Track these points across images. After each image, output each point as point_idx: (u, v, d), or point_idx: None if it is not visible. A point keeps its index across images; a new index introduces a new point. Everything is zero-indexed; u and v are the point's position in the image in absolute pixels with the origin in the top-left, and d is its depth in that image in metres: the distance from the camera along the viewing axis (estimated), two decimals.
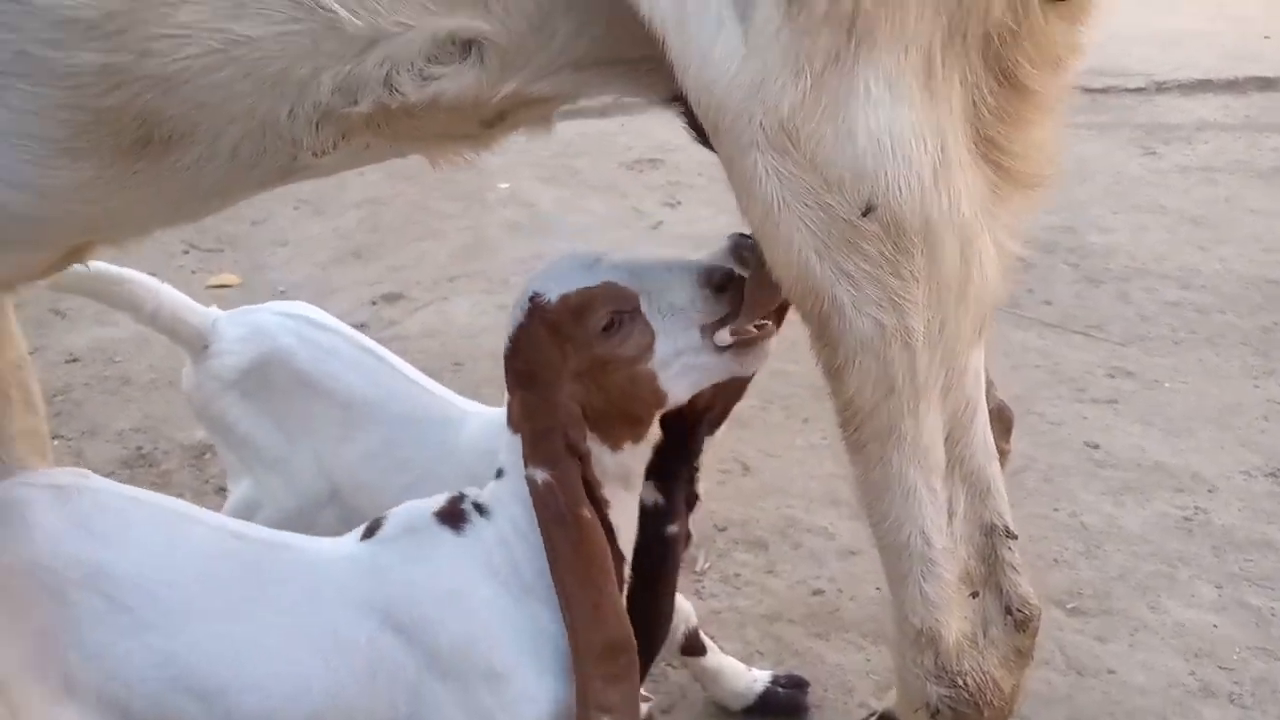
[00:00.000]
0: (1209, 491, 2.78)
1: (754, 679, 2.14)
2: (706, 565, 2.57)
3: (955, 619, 1.35)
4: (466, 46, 1.24)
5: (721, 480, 2.86)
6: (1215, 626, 2.35)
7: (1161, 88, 5.53)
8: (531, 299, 1.45)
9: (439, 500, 1.51)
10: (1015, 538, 1.33)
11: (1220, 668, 2.25)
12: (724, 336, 1.42)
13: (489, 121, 1.40)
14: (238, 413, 1.96)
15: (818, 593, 2.49)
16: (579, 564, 1.37)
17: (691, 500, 1.70)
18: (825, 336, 1.17)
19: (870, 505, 1.29)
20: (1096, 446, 2.98)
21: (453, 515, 1.48)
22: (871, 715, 2.05)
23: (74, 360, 3.55)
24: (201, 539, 1.45)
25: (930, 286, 1.14)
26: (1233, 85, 5.44)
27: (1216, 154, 4.76)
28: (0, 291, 1.65)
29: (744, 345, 1.43)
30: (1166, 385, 3.24)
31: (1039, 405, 3.13)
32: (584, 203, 4.82)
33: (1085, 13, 1.18)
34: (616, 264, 1.46)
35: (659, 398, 1.45)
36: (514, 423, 1.46)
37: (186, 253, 4.33)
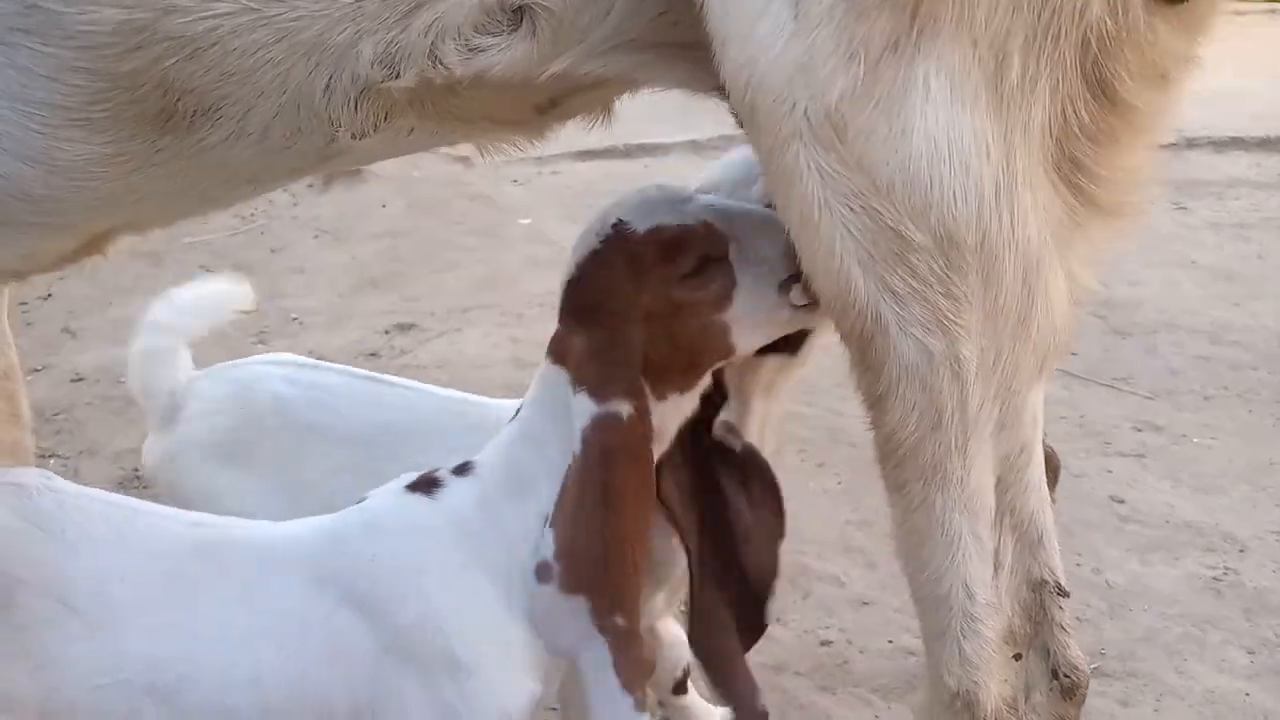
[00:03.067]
0: (1240, 552, 2.62)
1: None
2: None
3: (995, 682, 1.20)
4: (517, 15, 1.11)
5: None
6: (1247, 695, 2.19)
7: (1192, 144, 5.38)
8: (615, 226, 1.31)
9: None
10: (1067, 595, 1.19)
11: None
12: (799, 294, 1.29)
13: (541, 107, 1.29)
14: (223, 484, 1.72)
15: (826, 644, 2.35)
16: (645, 499, 1.27)
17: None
18: (867, 360, 1.03)
19: (908, 552, 1.15)
20: (1122, 501, 2.82)
21: (425, 483, 1.35)
22: None
23: (79, 379, 3.43)
24: (155, 530, 1.33)
25: (985, 312, 0.99)
26: (1265, 143, 5.32)
27: (1249, 211, 4.63)
28: (11, 281, 1.51)
29: (811, 304, 1.30)
30: (1195, 441, 3.09)
31: (1063, 458, 2.97)
32: None
33: (1203, 23, 1.03)
34: (711, 205, 1.33)
35: (728, 350, 1.33)
36: (566, 357, 1.32)
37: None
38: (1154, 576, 2.54)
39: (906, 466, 1.07)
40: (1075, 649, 1.23)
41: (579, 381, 1.29)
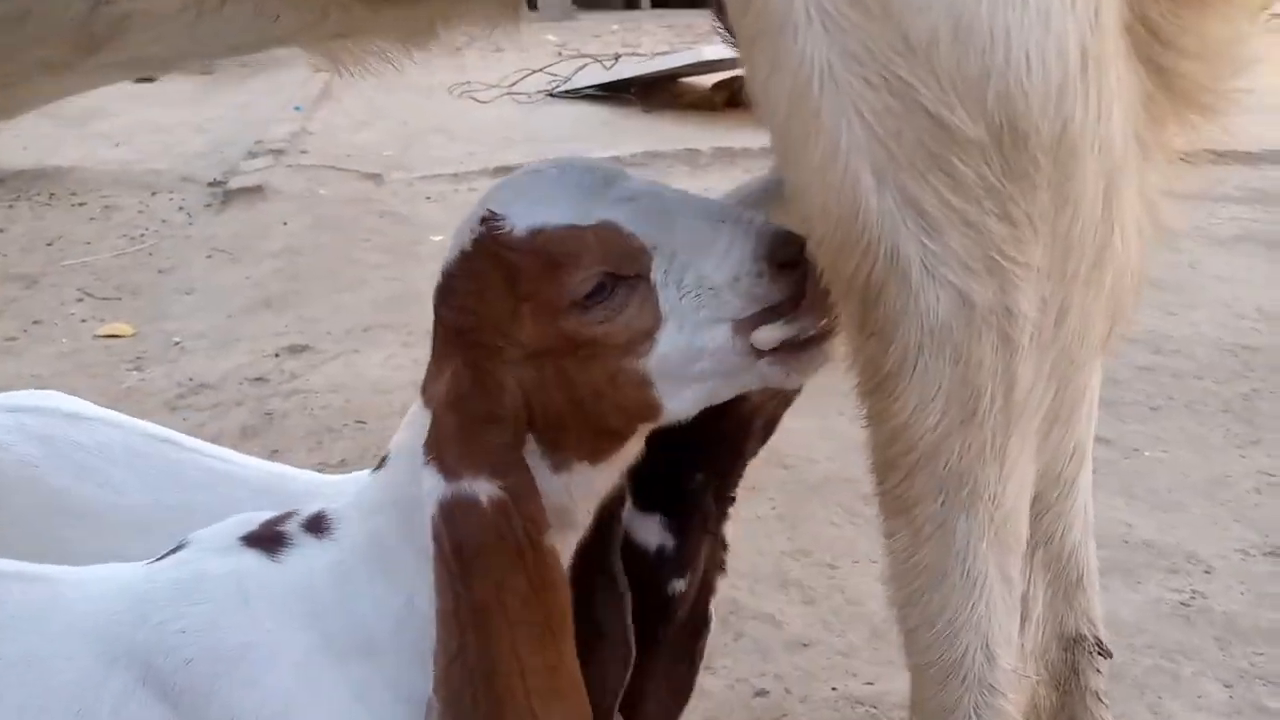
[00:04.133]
0: (1206, 573, 2.39)
1: None
2: None
3: None
4: None
5: None
6: None
7: None
8: (484, 221, 0.92)
9: (264, 516, 1.05)
10: (1109, 655, 0.86)
11: None
12: (769, 336, 0.87)
13: None
14: None
15: (761, 694, 2.06)
16: (539, 614, 0.90)
17: (718, 552, 1.19)
18: (871, 320, 0.68)
19: (911, 600, 0.80)
20: None
21: (266, 537, 1.02)
22: None
23: None
24: None
25: (1054, 245, 0.65)
26: (1187, 156, 5.14)
27: (1175, 220, 4.46)
28: None
29: (794, 349, 0.89)
30: (1147, 454, 2.87)
31: None
32: None
33: None
34: (634, 195, 0.92)
35: (648, 410, 0.93)
36: (432, 397, 0.94)
37: (80, 300, 3.89)
38: (1117, 603, 2.29)
39: (919, 478, 0.73)
40: None
41: (428, 447, 0.91)
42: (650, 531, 1.10)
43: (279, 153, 5.39)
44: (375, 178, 5.13)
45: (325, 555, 1.00)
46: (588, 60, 7.44)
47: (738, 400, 1.01)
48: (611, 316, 0.90)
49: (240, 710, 0.94)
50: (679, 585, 1.10)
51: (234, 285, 4.02)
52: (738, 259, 0.86)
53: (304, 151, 5.53)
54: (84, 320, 3.68)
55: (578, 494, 0.97)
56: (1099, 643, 0.86)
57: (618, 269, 0.90)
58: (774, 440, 3.01)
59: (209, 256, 4.29)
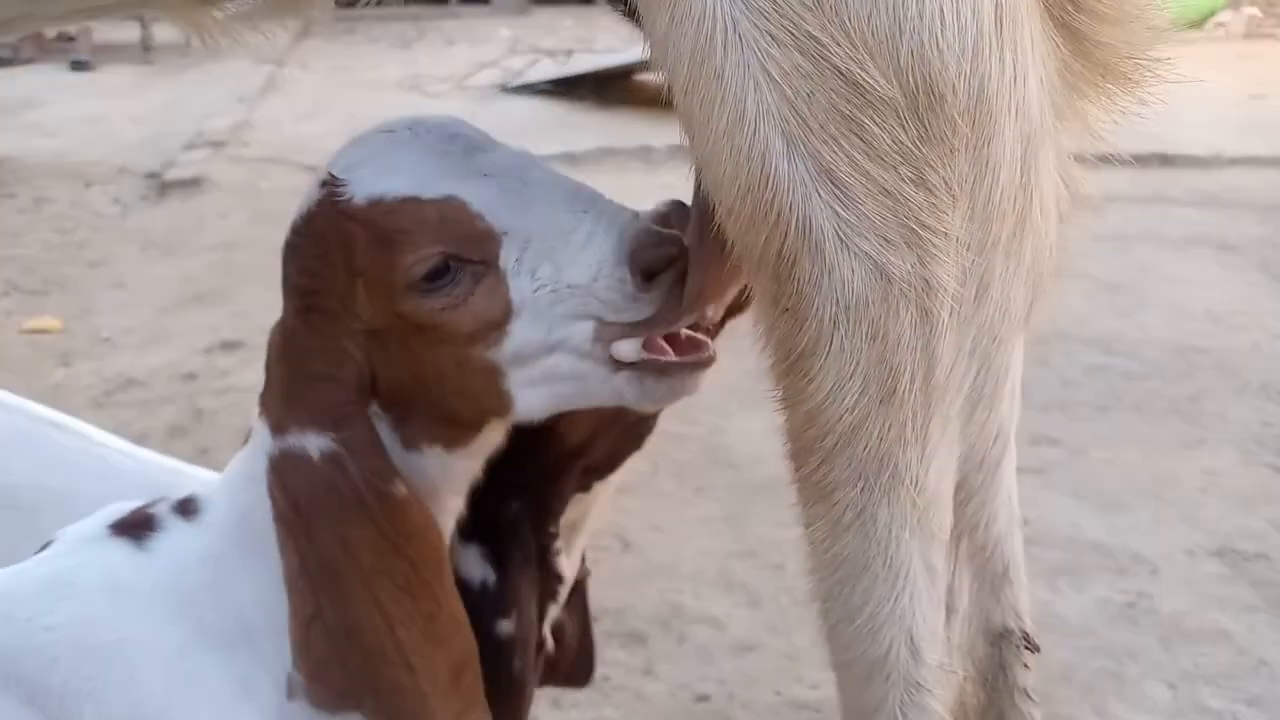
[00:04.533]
0: (1151, 573, 2.40)
1: None
2: None
3: None
4: None
5: (595, 559, 2.35)
6: None
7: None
8: (325, 184, 0.87)
9: (135, 504, 0.99)
10: (1036, 650, 0.83)
11: None
12: (629, 349, 0.82)
13: None
14: None
15: (703, 699, 2.02)
16: (400, 564, 0.85)
17: (549, 583, 1.09)
18: (785, 296, 0.64)
19: (832, 593, 0.76)
20: (1025, 522, 2.52)
21: (134, 523, 0.95)
22: None
23: None
24: None
25: (974, 210, 0.62)
26: (1138, 159, 5.21)
27: (1127, 223, 4.50)
28: None
29: (658, 369, 0.85)
30: (1094, 454, 2.88)
31: None
32: None
33: None
34: (493, 169, 0.85)
35: (497, 404, 0.87)
36: (271, 357, 0.90)
37: (6, 294, 3.82)
38: (1064, 604, 2.30)
39: (837, 463, 0.69)
40: None
41: (261, 402, 0.88)
42: (472, 563, 1.03)
43: (219, 145, 5.31)
44: (319, 171, 5.07)
45: (196, 539, 0.94)
46: (541, 55, 7.41)
47: (561, 431, 0.98)
48: (455, 304, 0.83)
49: (114, 712, 0.88)
50: (505, 627, 1.02)
51: (167, 280, 3.95)
52: (597, 256, 0.81)
53: (245, 144, 5.45)
54: (10, 314, 3.61)
55: (435, 476, 0.91)
56: (1026, 637, 0.83)
57: (460, 252, 0.83)
58: (723, 440, 3.01)
59: (142, 250, 4.22)
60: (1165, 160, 5.20)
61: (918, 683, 0.79)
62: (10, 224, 4.42)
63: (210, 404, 2.95)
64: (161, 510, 0.96)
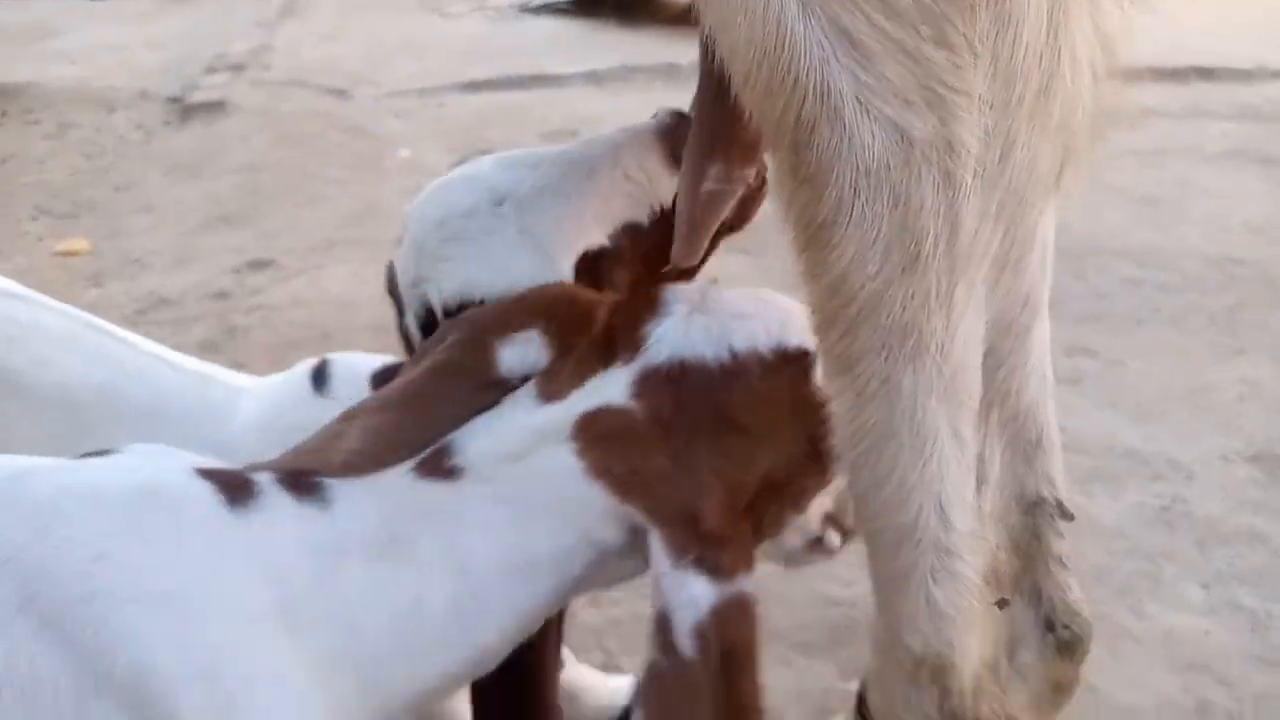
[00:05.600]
0: (1187, 479, 2.41)
1: (615, 689, 1.68)
2: None
3: (974, 639, 0.87)
4: None
5: None
6: (1207, 633, 1.98)
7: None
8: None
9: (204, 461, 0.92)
10: (1071, 518, 0.86)
11: (1218, 682, 1.87)
12: None
13: None
14: None
15: None
16: None
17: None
18: (803, 166, 0.66)
19: (859, 463, 0.79)
20: (1061, 430, 2.54)
21: (235, 485, 0.88)
22: None
23: None
24: None
25: (995, 71, 0.63)
26: (1176, 74, 5.08)
27: (1164, 138, 4.42)
28: None
29: None
30: (1131, 365, 2.86)
31: None
32: None
33: None
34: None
35: None
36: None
37: (35, 219, 3.84)
38: (1099, 509, 2.30)
39: (861, 332, 0.71)
40: (1076, 590, 0.91)
41: (702, 542, 0.86)
42: None
43: (240, 68, 5.30)
44: (340, 93, 5.05)
45: (316, 524, 0.89)
46: None
47: None
48: None
49: (155, 663, 0.79)
50: None
51: (193, 202, 3.96)
52: None
53: (266, 67, 5.43)
54: (40, 238, 3.64)
55: None
56: (1060, 505, 0.85)
57: None
58: (798, 258, 3.05)
59: (168, 173, 4.22)
60: (1205, 74, 5.07)
61: (948, 548, 0.81)
62: (36, 150, 4.44)
63: (242, 321, 2.98)
64: (264, 479, 0.90)
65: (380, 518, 0.90)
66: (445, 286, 1.06)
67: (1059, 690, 0.93)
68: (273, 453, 1.01)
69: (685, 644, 0.84)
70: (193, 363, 1.38)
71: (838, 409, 0.78)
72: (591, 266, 1.07)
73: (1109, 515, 2.26)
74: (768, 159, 0.69)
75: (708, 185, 0.84)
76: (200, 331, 2.93)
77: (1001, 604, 0.88)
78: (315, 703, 0.85)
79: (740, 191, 0.89)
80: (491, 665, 0.94)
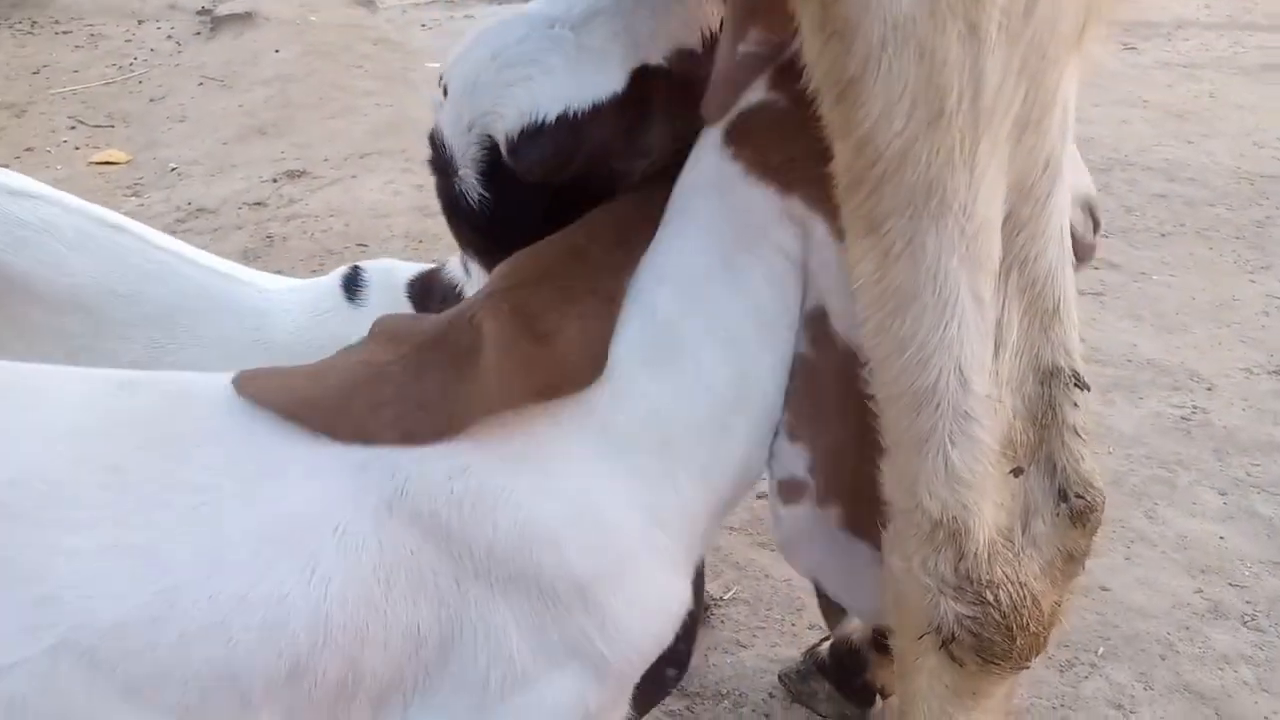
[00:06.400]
0: (1207, 390, 2.42)
1: None
2: None
3: (989, 506, 0.89)
4: None
5: None
6: (1222, 539, 1.99)
7: None
8: None
9: None
10: (1087, 389, 0.87)
11: (1230, 584, 1.89)
12: None
13: None
14: None
15: (763, 496, 2.03)
16: None
17: None
18: (831, 20, 0.67)
19: (880, 326, 0.81)
20: (1082, 340, 2.54)
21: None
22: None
23: None
24: (78, 396, 0.85)
25: None
26: None
27: (1199, 51, 4.36)
28: None
29: None
30: (1155, 278, 2.86)
31: None
32: None
33: None
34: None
35: None
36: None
37: (73, 128, 3.86)
38: (1118, 417, 2.32)
39: (886, 191, 0.73)
40: (1090, 461, 0.92)
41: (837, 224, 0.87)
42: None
43: None
44: (368, 4, 5.03)
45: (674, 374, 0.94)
46: None
47: None
48: None
49: (536, 515, 0.85)
50: None
51: (227, 113, 3.98)
52: None
53: None
54: (77, 148, 3.66)
55: None
56: (1076, 375, 0.86)
57: None
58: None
59: (200, 84, 4.24)
60: None
61: (966, 412, 0.83)
62: (68, 60, 4.45)
63: (280, 230, 3.01)
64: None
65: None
66: (508, 115, 1.03)
67: (1071, 559, 0.95)
68: (309, 356, 1.00)
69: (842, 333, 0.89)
70: (219, 262, 1.37)
71: (863, 272, 0.79)
72: (644, 87, 1.04)
73: (1127, 423, 2.28)
74: (799, 12, 0.69)
75: (745, 46, 0.85)
76: (240, 240, 2.96)
77: (1016, 472, 0.90)
78: (670, 510, 0.93)
79: (776, 58, 0.90)
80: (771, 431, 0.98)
